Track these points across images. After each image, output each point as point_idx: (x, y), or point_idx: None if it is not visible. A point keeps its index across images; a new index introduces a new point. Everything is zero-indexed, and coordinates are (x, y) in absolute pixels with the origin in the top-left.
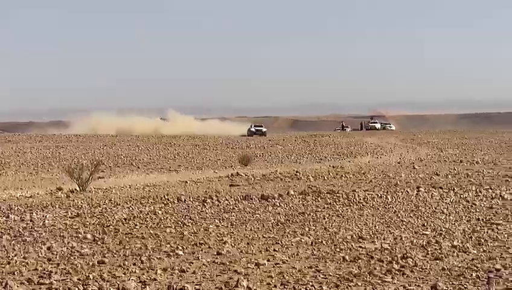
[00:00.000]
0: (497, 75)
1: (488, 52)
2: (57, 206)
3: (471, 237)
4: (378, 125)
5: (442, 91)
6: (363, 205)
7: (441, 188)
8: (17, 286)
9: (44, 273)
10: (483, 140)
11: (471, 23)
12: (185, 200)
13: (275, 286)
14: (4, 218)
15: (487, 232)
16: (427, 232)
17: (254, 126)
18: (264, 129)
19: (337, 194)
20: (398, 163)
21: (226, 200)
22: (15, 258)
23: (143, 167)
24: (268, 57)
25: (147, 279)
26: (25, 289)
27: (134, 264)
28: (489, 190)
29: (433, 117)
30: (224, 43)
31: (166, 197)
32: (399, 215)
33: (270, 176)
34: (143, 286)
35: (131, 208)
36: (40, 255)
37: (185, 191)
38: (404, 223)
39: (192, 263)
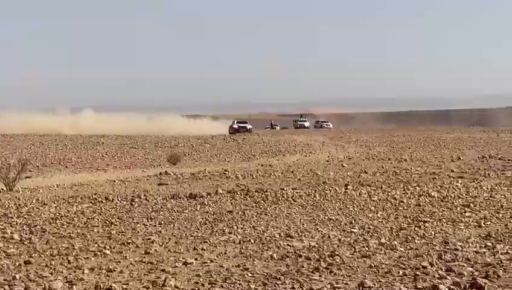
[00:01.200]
0: (418, 75)
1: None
2: None
3: (398, 235)
4: (307, 124)
5: (366, 90)
6: (291, 203)
7: (369, 185)
8: None
9: None
10: (412, 138)
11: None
12: (113, 199)
13: (203, 285)
14: None
15: (414, 229)
16: (354, 230)
17: (237, 122)
18: (249, 126)
19: (266, 193)
20: (327, 161)
21: (155, 199)
22: None
23: (71, 167)
24: (188, 57)
25: (74, 279)
26: None
27: (61, 264)
28: (417, 188)
29: (361, 115)
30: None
31: (94, 196)
32: (327, 213)
33: (199, 174)
34: (70, 286)
35: (58, 208)
36: None
37: (113, 191)
38: (332, 221)
39: (120, 262)
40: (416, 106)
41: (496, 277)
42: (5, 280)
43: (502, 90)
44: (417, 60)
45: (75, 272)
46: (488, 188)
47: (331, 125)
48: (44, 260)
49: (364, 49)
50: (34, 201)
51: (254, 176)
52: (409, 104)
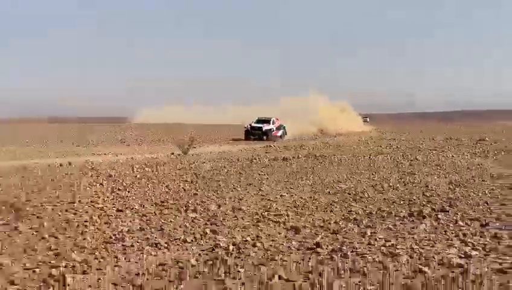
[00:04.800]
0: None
1: None
2: (171, 163)
3: (399, 181)
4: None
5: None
6: (339, 164)
7: (382, 154)
8: (150, 206)
9: (162, 201)
10: (411, 129)
11: None
12: (240, 160)
13: (291, 208)
14: (142, 169)
15: (408, 178)
16: (375, 179)
17: (256, 121)
18: (267, 127)
19: (325, 157)
20: (359, 141)
21: (264, 160)
22: (147, 191)
23: (219, 141)
24: None
25: (221, 203)
26: (146, 210)
27: (213, 195)
28: (409, 155)
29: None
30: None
31: (230, 158)
32: (359, 169)
33: (287, 147)
34: (218, 207)
35: (211, 164)
36: (161, 191)
37: (241, 155)
38: (362, 173)
39: (245, 195)
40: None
41: (455, 205)
42: (187, 201)
43: None
44: None
45: (220, 200)
46: (450, 156)
47: (368, 120)
48: (204, 193)
49: None
50: (198, 161)
51: (319, 148)
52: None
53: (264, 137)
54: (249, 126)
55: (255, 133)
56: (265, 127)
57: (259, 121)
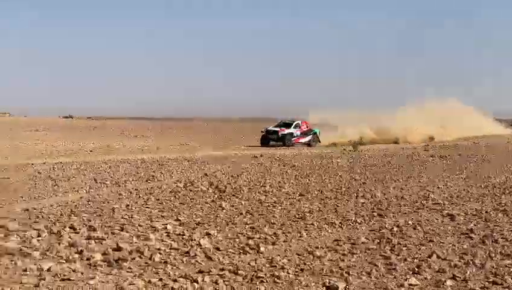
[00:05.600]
0: None
1: None
2: (343, 156)
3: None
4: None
5: None
6: (490, 161)
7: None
8: (326, 192)
9: (336, 188)
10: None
11: None
12: (399, 155)
13: (446, 197)
14: (319, 161)
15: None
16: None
17: (278, 125)
18: (285, 131)
19: (476, 155)
20: (507, 142)
21: (423, 157)
22: (324, 179)
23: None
24: None
25: (386, 192)
26: (324, 195)
27: (379, 184)
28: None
29: None
30: None
31: (392, 154)
32: (507, 166)
33: (443, 146)
34: (383, 194)
35: (377, 159)
36: (335, 180)
37: (401, 152)
38: (510, 170)
39: (406, 185)
40: None
41: None
42: (357, 189)
43: None
44: None
45: (385, 189)
46: None
47: None
48: (371, 182)
49: None
50: (366, 156)
51: (470, 148)
52: None
53: (281, 142)
54: (265, 130)
55: (271, 138)
56: (283, 131)
57: (283, 124)
